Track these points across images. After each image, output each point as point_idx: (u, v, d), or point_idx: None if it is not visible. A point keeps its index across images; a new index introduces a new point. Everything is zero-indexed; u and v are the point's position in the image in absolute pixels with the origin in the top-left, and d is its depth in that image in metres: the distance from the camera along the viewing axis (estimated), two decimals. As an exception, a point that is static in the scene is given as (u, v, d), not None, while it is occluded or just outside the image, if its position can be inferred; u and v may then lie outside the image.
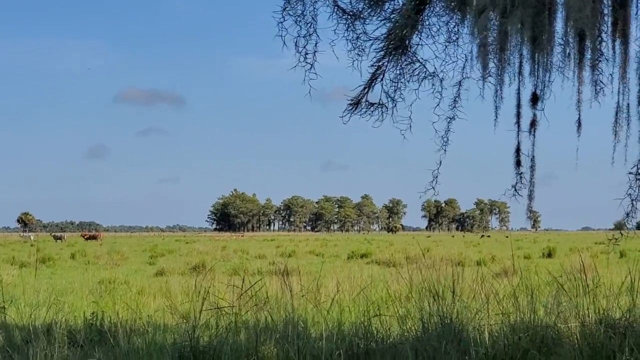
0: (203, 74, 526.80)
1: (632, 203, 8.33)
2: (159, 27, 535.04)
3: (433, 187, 9.45)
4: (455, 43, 9.28)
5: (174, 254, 54.22)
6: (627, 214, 8.39)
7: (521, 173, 8.66)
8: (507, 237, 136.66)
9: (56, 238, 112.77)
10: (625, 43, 8.36)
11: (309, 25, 9.63)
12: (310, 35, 9.64)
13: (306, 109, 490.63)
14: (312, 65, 9.69)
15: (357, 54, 9.64)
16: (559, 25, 8.29)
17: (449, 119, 9.34)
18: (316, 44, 9.71)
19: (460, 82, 9.34)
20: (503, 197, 8.77)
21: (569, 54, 8.40)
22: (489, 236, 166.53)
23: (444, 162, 9.37)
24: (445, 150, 9.38)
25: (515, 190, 8.66)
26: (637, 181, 8.30)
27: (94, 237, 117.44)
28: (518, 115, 8.54)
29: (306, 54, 9.62)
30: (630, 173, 8.33)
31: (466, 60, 9.23)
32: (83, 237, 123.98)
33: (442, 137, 9.34)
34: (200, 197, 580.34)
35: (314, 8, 9.63)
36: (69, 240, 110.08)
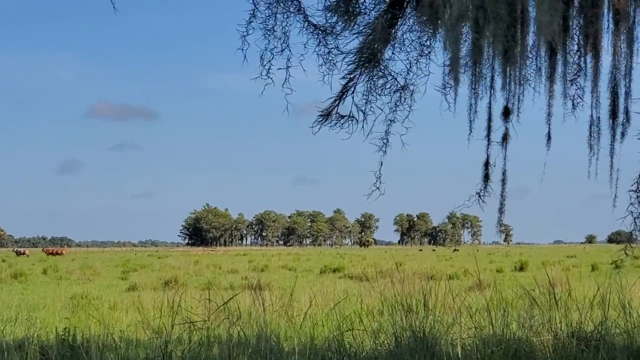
0: (176, 88, 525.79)
1: (635, 221, 8.39)
2: (130, 41, 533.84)
3: (378, 188, 9.59)
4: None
5: (146, 269, 53.98)
6: (631, 233, 8.45)
7: (487, 181, 8.68)
8: (477, 250, 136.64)
9: (18, 253, 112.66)
10: (596, 57, 8.41)
11: (279, 40, 9.65)
12: (283, 50, 9.66)
13: (278, 123, 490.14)
14: (286, 79, 9.69)
15: (328, 69, 9.68)
16: (530, 39, 8.33)
17: (389, 122, 9.56)
18: (289, 59, 9.73)
19: (402, 87, 9.50)
20: (467, 203, 8.76)
21: (540, 67, 8.44)
22: (457, 250, 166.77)
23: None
24: (385, 152, 9.60)
25: (480, 197, 8.67)
26: (638, 198, 8.36)
27: (57, 253, 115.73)
28: (489, 128, 8.55)
29: (269, 68, 9.64)
30: (631, 190, 8.39)
31: (411, 66, 9.42)
32: (45, 252, 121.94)
33: (381, 139, 9.56)
34: (172, 212, 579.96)
35: (287, 24, 9.66)
36: (39, 256, 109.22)
